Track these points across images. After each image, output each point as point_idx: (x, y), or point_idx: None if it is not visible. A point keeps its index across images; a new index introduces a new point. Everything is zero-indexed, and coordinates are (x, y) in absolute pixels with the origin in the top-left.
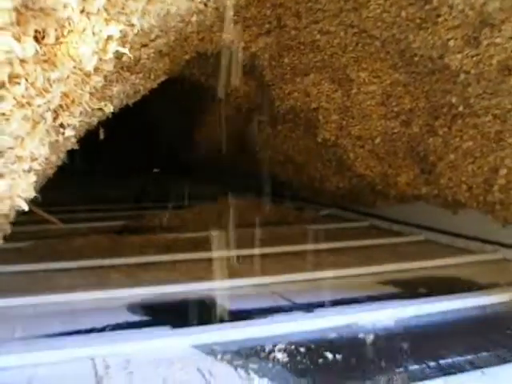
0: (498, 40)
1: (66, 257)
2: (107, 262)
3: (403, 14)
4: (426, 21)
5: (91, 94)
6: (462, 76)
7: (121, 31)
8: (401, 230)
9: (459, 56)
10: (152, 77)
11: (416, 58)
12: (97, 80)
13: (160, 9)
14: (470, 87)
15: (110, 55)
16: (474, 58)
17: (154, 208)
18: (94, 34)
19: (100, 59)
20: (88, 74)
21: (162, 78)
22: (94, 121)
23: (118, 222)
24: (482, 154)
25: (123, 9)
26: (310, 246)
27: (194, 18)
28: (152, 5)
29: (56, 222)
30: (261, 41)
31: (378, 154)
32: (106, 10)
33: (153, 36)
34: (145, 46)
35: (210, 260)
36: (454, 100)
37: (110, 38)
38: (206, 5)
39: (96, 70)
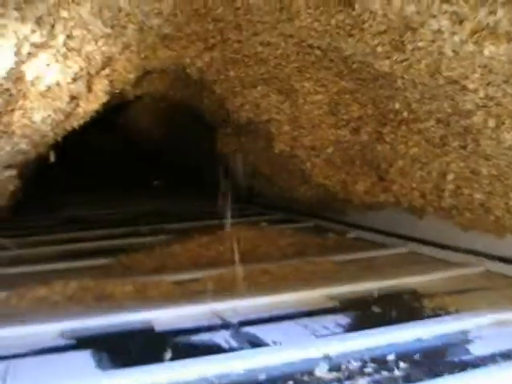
0: (420, 44)
1: None
2: None
3: (333, 21)
4: (354, 27)
5: None
6: (399, 81)
7: None
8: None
9: (387, 62)
10: (92, 98)
11: (358, 65)
12: None
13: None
14: (408, 92)
15: None
16: (404, 64)
17: None
18: None
19: None
20: None
21: (104, 99)
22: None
23: None
24: (429, 160)
25: None
26: None
27: (118, 41)
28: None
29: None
30: (206, 56)
31: (334, 162)
32: None
33: (69, 63)
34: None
35: None
36: (397, 106)
37: None
38: (125, 27)
39: None
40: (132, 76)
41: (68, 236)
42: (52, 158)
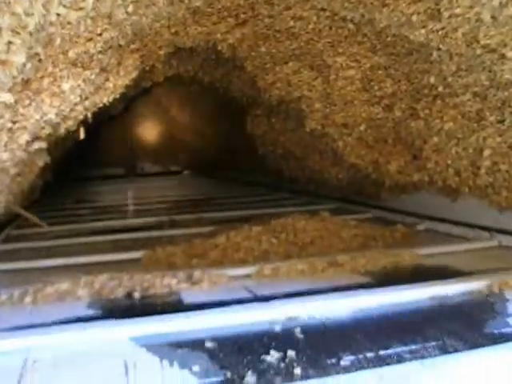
0: (457, 11)
1: None
2: None
3: None
4: None
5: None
6: (435, 53)
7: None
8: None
9: (423, 31)
10: (122, 73)
11: (392, 39)
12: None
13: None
14: (444, 64)
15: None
16: (440, 33)
17: None
18: None
19: None
20: None
21: (134, 74)
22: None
23: None
24: (464, 135)
25: None
26: None
27: (148, 11)
28: None
29: (41, 224)
30: (237, 32)
31: (366, 141)
32: None
33: (99, 30)
34: (90, 40)
35: None
36: (432, 80)
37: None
38: None
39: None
40: (162, 52)
41: (103, 225)
42: (82, 134)
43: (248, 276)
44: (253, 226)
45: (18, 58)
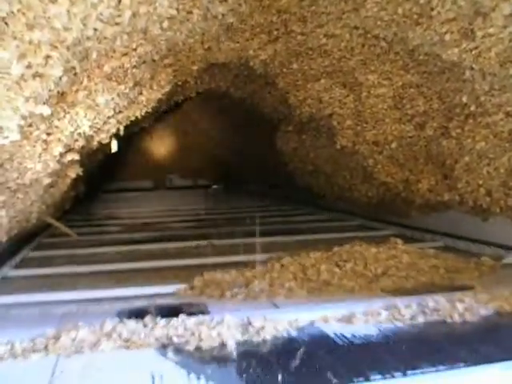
0: (491, 30)
1: None
2: None
3: (400, 10)
4: (422, 15)
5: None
6: (468, 72)
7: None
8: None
9: (456, 50)
10: (155, 87)
11: (425, 57)
12: (35, 86)
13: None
14: (477, 84)
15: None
16: (473, 52)
17: None
18: (14, 38)
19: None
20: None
21: (166, 89)
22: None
23: None
24: (496, 155)
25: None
26: None
27: (183, 27)
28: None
29: (72, 234)
30: (270, 48)
31: (397, 159)
32: (23, 13)
33: (134, 45)
34: (125, 54)
35: None
36: (465, 99)
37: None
38: (190, 12)
39: (36, 75)
40: (195, 67)
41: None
42: (114, 146)
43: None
44: (310, 252)
45: (55, 71)
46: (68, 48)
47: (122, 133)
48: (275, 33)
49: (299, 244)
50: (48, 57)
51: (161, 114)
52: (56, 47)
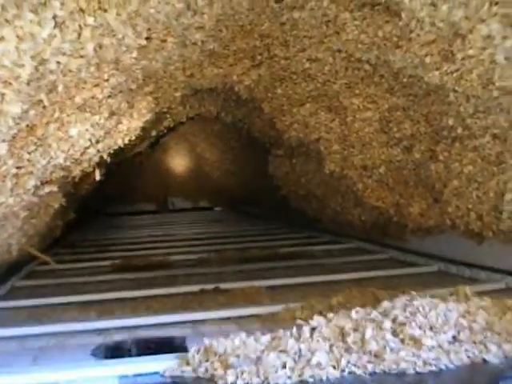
0: (470, 52)
1: None
2: None
3: (380, 33)
4: (402, 38)
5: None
6: (452, 95)
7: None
8: None
9: (437, 73)
10: (135, 115)
11: (409, 80)
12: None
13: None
14: (462, 106)
15: None
16: (455, 74)
17: None
18: None
19: None
20: None
21: (148, 117)
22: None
23: None
24: (485, 179)
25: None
26: None
27: (158, 55)
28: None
29: (49, 260)
30: (253, 73)
31: (386, 183)
32: None
33: (105, 75)
34: (96, 85)
35: None
36: (451, 122)
37: None
38: (164, 40)
39: None
40: (178, 94)
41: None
42: (97, 175)
43: None
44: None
45: (12, 107)
46: (28, 83)
47: (108, 160)
48: (258, 58)
49: (302, 269)
50: (3, 94)
51: (156, 138)
52: (10, 84)
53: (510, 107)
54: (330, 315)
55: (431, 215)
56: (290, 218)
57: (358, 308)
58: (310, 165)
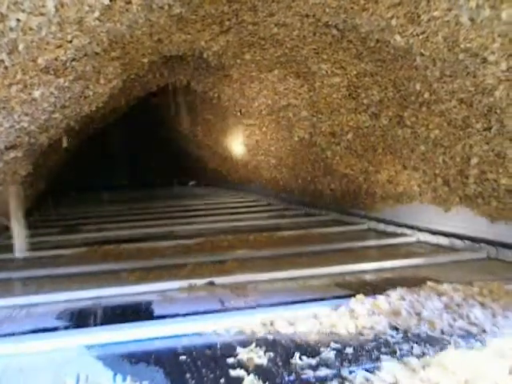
0: (436, 13)
1: None
2: None
3: None
4: (368, 1)
5: None
6: (418, 59)
7: None
8: None
9: (403, 35)
10: (102, 81)
11: (377, 44)
12: None
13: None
14: (428, 70)
15: None
16: (420, 37)
17: None
18: None
19: None
20: None
21: (114, 83)
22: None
23: None
24: (451, 143)
25: None
26: None
27: (123, 18)
28: None
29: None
30: (222, 39)
31: (355, 150)
32: None
33: (69, 36)
34: (59, 46)
35: None
36: (418, 86)
37: None
38: (129, 2)
39: None
40: (145, 60)
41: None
42: (64, 142)
43: None
44: None
45: None
46: None
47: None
48: (227, 23)
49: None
50: None
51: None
52: None
53: (475, 70)
54: None
55: (400, 181)
56: (263, 189)
57: None
58: (281, 133)
